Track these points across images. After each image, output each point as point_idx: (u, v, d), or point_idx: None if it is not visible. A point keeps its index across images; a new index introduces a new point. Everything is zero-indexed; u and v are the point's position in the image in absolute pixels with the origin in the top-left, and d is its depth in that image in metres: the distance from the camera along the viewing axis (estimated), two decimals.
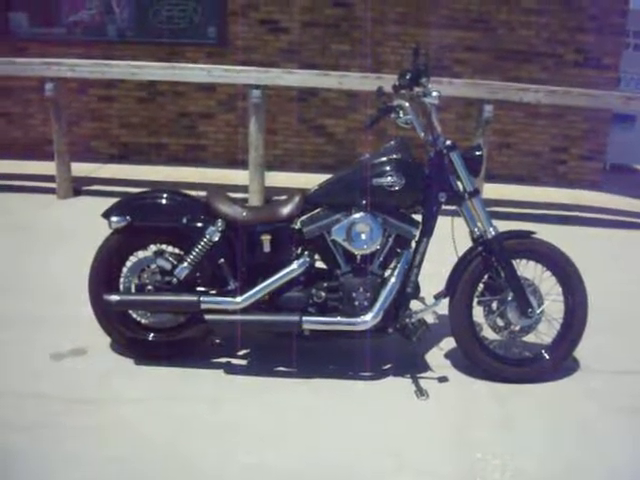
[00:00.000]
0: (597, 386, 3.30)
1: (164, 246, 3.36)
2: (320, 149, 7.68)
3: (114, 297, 3.22)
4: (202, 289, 3.28)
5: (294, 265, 3.20)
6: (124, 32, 7.53)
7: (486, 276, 3.28)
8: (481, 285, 3.29)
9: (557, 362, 3.31)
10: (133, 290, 3.32)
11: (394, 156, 3.15)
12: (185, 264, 3.23)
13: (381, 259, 3.23)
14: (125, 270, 3.35)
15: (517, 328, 3.31)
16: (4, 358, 3.33)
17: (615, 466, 2.70)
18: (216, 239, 3.19)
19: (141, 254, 3.36)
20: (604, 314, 3.80)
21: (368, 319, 3.14)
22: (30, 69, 6.05)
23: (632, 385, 3.34)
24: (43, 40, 7.44)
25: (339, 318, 3.19)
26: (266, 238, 3.19)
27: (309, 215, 3.23)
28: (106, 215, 3.24)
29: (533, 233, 3.30)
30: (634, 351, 3.70)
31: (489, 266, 3.23)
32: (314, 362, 3.40)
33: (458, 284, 3.22)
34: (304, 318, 3.15)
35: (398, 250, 3.23)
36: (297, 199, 3.23)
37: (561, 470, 2.66)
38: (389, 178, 3.09)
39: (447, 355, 3.53)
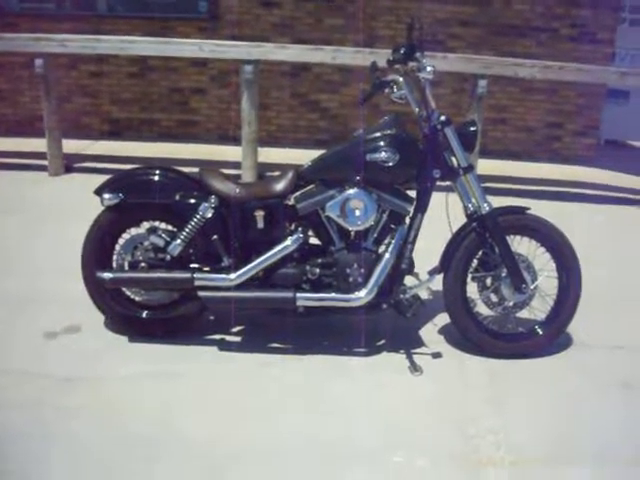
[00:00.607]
0: (590, 361, 3.32)
1: (157, 223, 3.34)
2: (314, 125, 7.63)
3: (107, 274, 3.20)
4: (195, 266, 3.26)
5: (288, 241, 3.18)
6: (114, 6, 7.43)
7: (480, 252, 3.27)
8: (475, 261, 3.29)
9: (551, 338, 3.33)
10: (126, 267, 3.30)
11: (388, 132, 3.13)
12: (178, 241, 3.21)
13: (375, 235, 3.22)
14: (118, 247, 3.33)
15: (511, 304, 3.31)
16: None
17: (607, 441, 2.72)
18: (209, 216, 3.18)
19: (134, 231, 3.34)
20: (598, 290, 3.81)
21: (362, 295, 3.14)
22: (19, 45, 5.96)
23: (625, 360, 3.36)
24: (32, 15, 7.34)
25: (333, 294, 3.18)
26: (259, 214, 3.17)
27: (303, 191, 3.22)
28: (98, 192, 3.21)
29: (527, 209, 3.29)
30: (628, 326, 3.71)
31: (483, 242, 3.22)
32: (308, 338, 3.41)
33: (452, 260, 3.22)
34: (298, 294, 3.15)
35: (392, 226, 3.22)
36: (290, 175, 3.20)
37: (553, 445, 2.68)
38: (383, 154, 3.07)
39: (441, 331, 3.54)
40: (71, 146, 6.57)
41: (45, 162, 6.15)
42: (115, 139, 7.52)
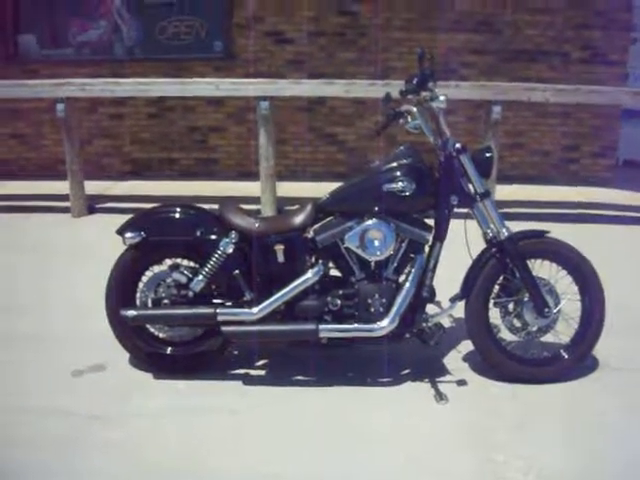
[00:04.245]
0: (617, 385, 3.27)
1: (179, 260, 3.38)
2: (331, 158, 7.69)
3: (131, 312, 3.23)
4: (218, 301, 3.29)
5: (309, 274, 3.20)
6: (132, 50, 7.61)
7: (501, 277, 3.26)
8: (496, 286, 3.28)
9: (576, 361, 3.29)
10: (150, 305, 3.33)
11: (404, 161, 3.16)
12: (200, 277, 3.24)
13: (395, 264, 3.23)
14: (141, 285, 3.37)
15: (534, 328, 3.29)
16: (25, 375, 3.36)
17: (637, 464, 2.67)
18: (230, 251, 3.21)
19: (156, 268, 3.38)
20: (621, 312, 3.78)
21: (385, 325, 3.14)
22: (41, 90, 6.13)
23: None
24: (52, 61, 7.54)
25: (355, 325, 3.19)
26: (280, 248, 3.20)
27: (321, 223, 3.25)
28: (120, 231, 3.26)
29: (547, 232, 3.28)
30: None
31: (504, 267, 3.22)
32: (332, 370, 3.40)
33: (473, 286, 3.21)
34: (321, 326, 3.16)
35: (412, 255, 3.23)
36: (309, 208, 3.24)
37: (582, 470, 2.64)
38: (400, 183, 3.10)
39: (465, 358, 3.52)
40: (93, 187, 6.67)
41: (68, 204, 6.26)
42: (136, 179, 7.63)
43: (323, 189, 3.44)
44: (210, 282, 3.27)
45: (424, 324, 3.21)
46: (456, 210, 3.21)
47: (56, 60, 7.56)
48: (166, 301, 3.29)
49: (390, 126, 3.30)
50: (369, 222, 3.16)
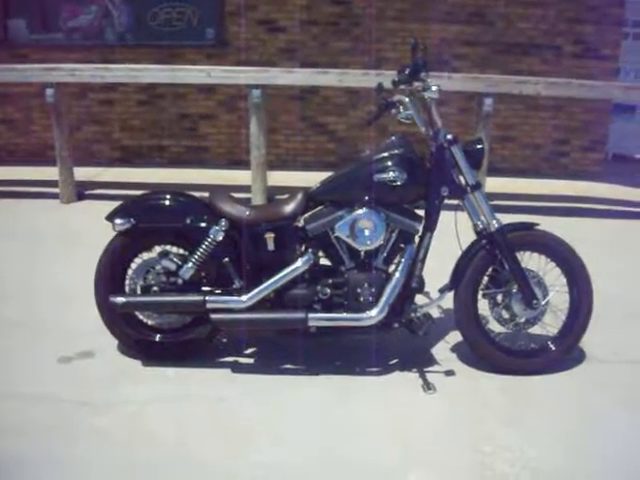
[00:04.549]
0: (604, 376, 3.30)
1: (168, 247, 3.37)
2: (322, 147, 7.69)
3: (120, 299, 3.23)
4: (207, 289, 3.28)
5: (298, 262, 3.20)
6: (123, 36, 7.56)
7: (490, 269, 3.28)
8: (485, 278, 3.29)
9: (563, 353, 3.32)
10: (139, 292, 3.33)
11: (395, 151, 3.16)
12: (190, 264, 3.24)
13: (385, 254, 3.24)
14: (130, 272, 3.36)
15: (522, 320, 3.31)
16: (12, 362, 3.35)
17: (625, 458, 2.70)
18: (220, 239, 3.20)
19: (146, 256, 3.37)
20: (609, 304, 3.80)
21: (374, 314, 3.15)
22: (30, 75, 6.07)
23: (639, 375, 3.34)
24: (42, 46, 7.48)
25: (344, 314, 3.20)
26: (270, 236, 3.20)
27: (312, 212, 3.25)
28: (110, 218, 3.25)
29: (536, 225, 3.30)
30: None
31: (493, 259, 3.23)
32: (321, 359, 3.41)
33: (463, 277, 3.22)
34: (310, 315, 3.16)
35: (402, 245, 3.24)
36: (300, 197, 3.23)
37: (569, 462, 2.66)
38: (391, 173, 3.10)
39: (453, 349, 3.53)
40: (82, 173, 6.64)
41: (57, 190, 6.23)
42: (125, 166, 7.60)
43: (313, 179, 3.44)
44: (199, 269, 3.26)
45: (413, 314, 3.22)
46: (446, 201, 3.22)
47: (46, 45, 7.50)
48: (155, 288, 3.29)
49: (382, 116, 3.30)
50: (359, 212, 3.16)
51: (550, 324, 3.36)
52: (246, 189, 6.04)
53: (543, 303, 3.27)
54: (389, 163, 3.12)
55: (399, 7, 7.23)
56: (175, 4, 7.39)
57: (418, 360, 3.41)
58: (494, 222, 3.19)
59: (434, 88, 3.13)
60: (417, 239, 3.24)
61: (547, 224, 3.40)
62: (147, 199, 3.39)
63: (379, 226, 3.16)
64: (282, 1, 7.28)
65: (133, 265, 3.36)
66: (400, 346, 3.53)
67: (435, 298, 3.28)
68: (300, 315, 3.16)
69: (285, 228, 3.23)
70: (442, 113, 3.23)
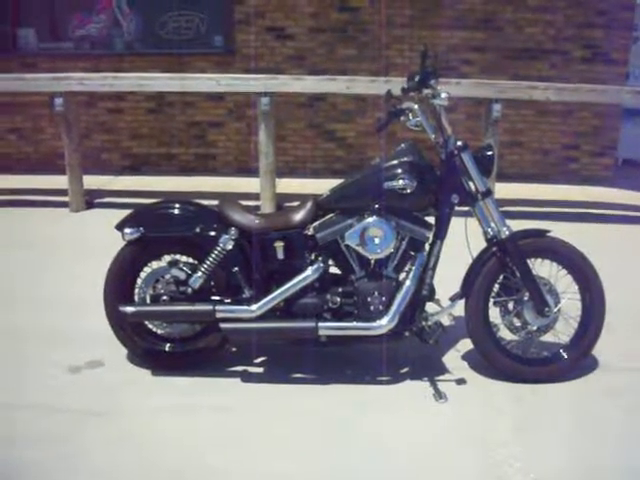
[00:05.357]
0: (617, 384, 3.27)
1: (178, 256, 3.36)
2: (330, 154, 7.67)
3: (129, 308, 3.22)
4: (217, 298, 3.27)
5: (308, 271, 3.19)
6: (131, 44, 7.58)
7: (501, 276, 3.25)
8: (497, 286, 3.27)
9: (576, 361, 3.28)
10: (148, 301, 3.32)
11: (405, 159, 3.14)
12: (199, 273, 3.23)
13: (395, 262, 3.22)
14: (139, 281, 3.36)
15: (534, 328, 3.28)
16: (22, 371, 3.35)
17: (636, 466, 2.67)
18: (229, 247, 3.20)
19: (155, 265, 3.37)
20: (622, 311, 3.77)
21: (384, 323, 3.13)
22: (39, 84, 6.10)
23: None
24: (51, 55, 7.50)
25: (355, 323, 3.18)
26: (279, 245, 3.19)
27: (322, 221, 3.23)
28: (119, 227, 3.25)
29: (547, 231, 3.27)
30: None
31: (504, 266, 3.21)
32: (331, 368, 3.39)
33: (473, 285, 3.20)
34: (320, 324, 3.15)
35: (412, 253, 3.22)
36: (309, 205, 3.22)
37: (583, 471, 2.63)
38: (401, 181, 3.09)
39: (464, 357, 3.51)
40: (92, 182, 6.65)
41: (66, 199, 6.23)
42: (135, 174, 7.60)
43: (322, 186, 3.43)
44: (209, 279, 3.26)
45: (424, 322, 3.20)
46: (456, 208, 3.20)
47: (55, 54, 7.52)
48: (165, 297, 3.28)
49: (391, 123, 3.28)
50: (369, 220, 3.14)
51: (562, 332, 3.33)
52: (255, 197, 6.03)
53: (555, 311, 3.24)
54: (399, 171, 3.11)
55: (407, 14, 7.22)
56: (183, 12, 7.41)
57: (429, 369, 3.38)
58: (505, 229, 3.17)
59: (443, 95, 3.11)
60: (427, 247, 3.22)
61: (558, 230, 3.37)
62: (156, 208, 3.39)
63: (389, 234, 3.14)
64: (290, 8, 7.28)
65: (142, 274, 3.36)
66: (411, 355, 3.50)
67: (446, 306, 3.25)
68: (310, 324, 3.14)
69: (295, 237, 3.22)
70: (450, 119, 3.22)
